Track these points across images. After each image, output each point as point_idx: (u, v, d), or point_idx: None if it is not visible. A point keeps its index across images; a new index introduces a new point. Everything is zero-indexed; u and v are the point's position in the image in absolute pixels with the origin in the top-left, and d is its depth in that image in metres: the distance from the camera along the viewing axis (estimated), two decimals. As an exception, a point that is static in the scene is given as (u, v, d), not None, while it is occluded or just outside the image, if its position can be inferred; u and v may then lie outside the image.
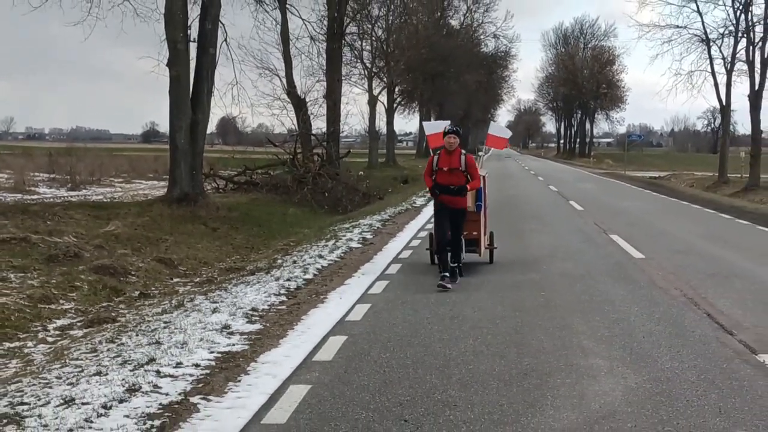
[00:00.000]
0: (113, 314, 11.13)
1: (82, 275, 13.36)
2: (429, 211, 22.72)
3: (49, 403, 6.62)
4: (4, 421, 6.21)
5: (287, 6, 37.67)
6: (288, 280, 12.60)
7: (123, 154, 62.96)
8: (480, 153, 17.26)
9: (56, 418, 6.22)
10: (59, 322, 10.87)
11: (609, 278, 12.63)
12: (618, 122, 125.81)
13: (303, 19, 39.08)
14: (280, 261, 15.28)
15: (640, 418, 6.15)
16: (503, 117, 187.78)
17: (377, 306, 10.51)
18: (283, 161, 35.41)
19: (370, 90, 59.68)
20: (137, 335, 9.13)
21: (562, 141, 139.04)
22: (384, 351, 8.21)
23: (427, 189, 12.75)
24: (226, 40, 28.02)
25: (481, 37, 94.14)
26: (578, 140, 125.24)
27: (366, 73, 59.25)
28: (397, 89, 68.05)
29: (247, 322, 9.61)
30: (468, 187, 12.24)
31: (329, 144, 38.18)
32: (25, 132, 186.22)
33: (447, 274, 11.81)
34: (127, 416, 6.26)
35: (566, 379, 7.20)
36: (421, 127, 72.69)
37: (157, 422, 6.16)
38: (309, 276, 13.03)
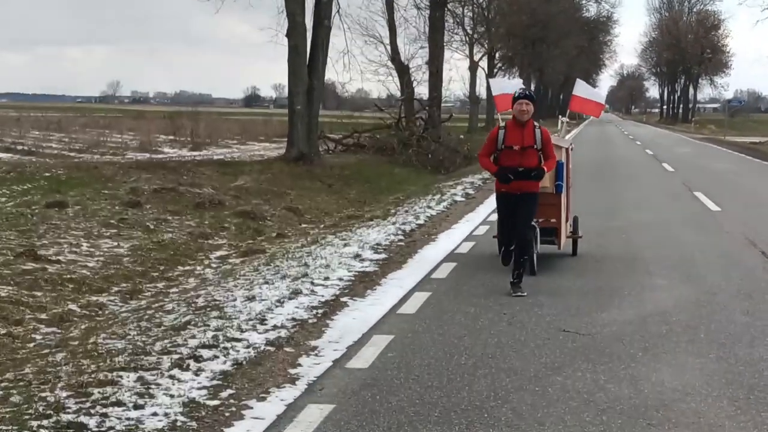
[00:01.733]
0: (261, 247, 13.40)
1: (228, 219, 15.71)
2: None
3: (236, 300, 8.86)
4: (208, 309, 8.46)
5: (393, -24, 39.53)
6: (403, 224, 14.71)
7: (232, 118, 66.00)
8: (563, 119, 13.44)
9: (245, 307, 8.44)
10: (218, 253, 13.19)
11: (684, 225, 14.41)
12: (723, 87, 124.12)
13: (409, -12, 40.87)
14: (393, 211, 17.41)
15: (683, 314, 8.11)
16: (605, 82, 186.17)
17: (481, 243, 12.54)
18: (388, 125, 37.47)
19: (470, 56, 61.23)
20: (287, 260, 11.36)
21: (664, 106, 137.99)
22: (486, 273, 10.26)
23: (491, 174, 9.80)
24: (339, 11, 30.16)
25: (583, 1, 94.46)
26: (681, 106, 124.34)
27: (467, 39, 60.78)
28: (497, 55, 69.37)
29: (374, 253, 11.76)
30: (546, 170, 9.45)
31: (432, 108, 40.11)
32: (130, 95, 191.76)
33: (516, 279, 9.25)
34: (297, 307, 8.45)
35: (631, 291, 9.18)
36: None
37: (320, 311, 8.34)
38: (420, 221, 15.12)
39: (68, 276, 10.68)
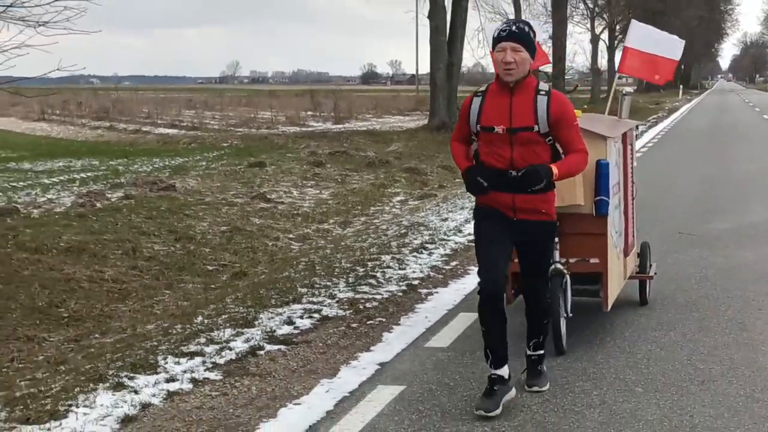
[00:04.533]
0: (432, 193, 16.61)
1: (398, 174, 18.98)
2: (648, 138, 27.08)
3: (432, 221, 12.06)
4: (416, 225, 11.69)
5: (518, -45, 42.27)
6: (545, 175, 17.72)
7: (362, 95, 69.63)
8: (626, 90, 8.15)
9: (442, 225, 11.65)
10: (397, 198, 16.44)
11: (786, 171, 17.10)
12: None
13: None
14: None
15: (773, 225, 11.05)
16: (727, 51, 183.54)
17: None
18: (516, 96, 40.26)
19: (592, 29, 63.33)
20: (459, 200, 14.54)
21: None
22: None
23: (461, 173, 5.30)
24: (474, -7, 33.16)
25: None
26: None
27: (588, 13, 62.91)
28: (617, 27, 70.99)
29: (527, 193, 14.82)
30: (555, 172, 5.03)
31: (557, 80, 42.74)
32: (249, 75, 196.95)
33: (498, 373, 5.11)
34: (480, 224, 11.60)
35: (732, 212, 12.15)
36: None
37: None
38: (559, 173, 18.10)
39: (295, 212, 14.09)
